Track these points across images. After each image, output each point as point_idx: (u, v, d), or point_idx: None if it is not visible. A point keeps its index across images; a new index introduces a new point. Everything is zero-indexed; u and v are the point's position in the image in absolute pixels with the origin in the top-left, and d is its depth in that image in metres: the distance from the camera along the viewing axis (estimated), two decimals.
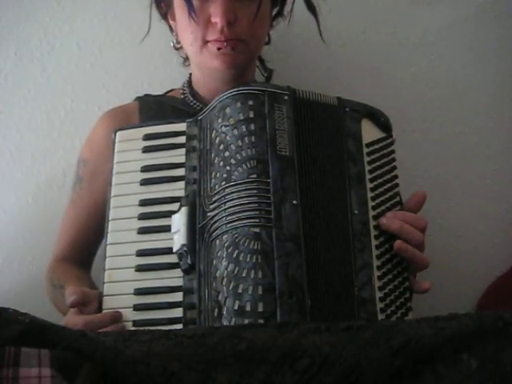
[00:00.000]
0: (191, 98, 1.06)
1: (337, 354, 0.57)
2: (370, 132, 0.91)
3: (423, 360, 0.57)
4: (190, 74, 1.10)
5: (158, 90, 1.16)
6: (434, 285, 0.89)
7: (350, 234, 0.82)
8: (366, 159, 0.88)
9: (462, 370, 0.56)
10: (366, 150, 0.89)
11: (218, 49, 0.94)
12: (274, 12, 1.08)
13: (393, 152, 0.91)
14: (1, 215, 1.25)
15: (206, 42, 0.95)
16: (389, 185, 0.88)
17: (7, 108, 1.28)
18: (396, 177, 0.90)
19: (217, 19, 0.92)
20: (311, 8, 1.08)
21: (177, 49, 1.07)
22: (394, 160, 0.91)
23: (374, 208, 0.85)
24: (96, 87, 1.28)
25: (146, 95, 1.13)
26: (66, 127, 1.27)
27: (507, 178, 1.30)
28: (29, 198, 1.26)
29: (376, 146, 0.90)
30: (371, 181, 0.87)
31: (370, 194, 0.86)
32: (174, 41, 1.05)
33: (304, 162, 0.83)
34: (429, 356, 0.57)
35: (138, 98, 1.12)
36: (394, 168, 0.90)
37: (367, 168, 0.88)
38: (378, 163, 0.89)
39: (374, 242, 0.83)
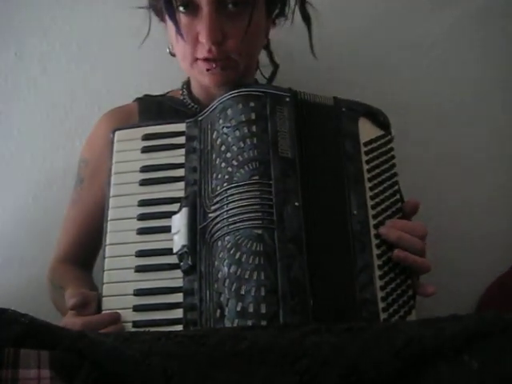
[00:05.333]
0: (189, 101, 1.07)
1: (337, 355, 0.58)
2: (367, 131, 0.90)
3: (424, 361, 0.57)
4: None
5: (158, 89, 1.15)
6: (434, 285, 0.89)
7: (349, 235, 0.82)
8: (365, 158, 0.88)
9: (463, 371, 0.56)
10: (363, 149, 0.89)
11: (207, 69, 0.91)
12: (275, 14, 1.06)
13: (392, 149, 0.91)
14: (1, 215, 1.25)
15: (195, 59, 0.92)
16: (388, 183, 0.88)
17: (7, 108, 1.28)
18: (396, 174, 0.90)
19: (203, 39, 0.88)
20: (306, 19, 1.05)
21: (173, 55, 1.01)
22: (393, 157, 0.91)
23: (373, 207, 0.85)
24: (96, 87, 1.28)
25: (146, 95, 1.13)
26: (66, 127, 1.27)
27: (507, 178, 1.30)
28: (29, 197, 1.26)
29: (374, 145, 0.90)
30: (370, 180, 0.87)
31: (369, 194, 0.86)
32: (170, 47, 1.00)
33: (305, 164, 0.83)
34: (430, 357, 0.57)
35: (138, 99, 1.12)
36: (394, 165, 0.90)
37: (365, 167, 0.87)
38: (376, 162, 0.89)
39: (374, 242, 0.83)
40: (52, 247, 1.09)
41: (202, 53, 0.90)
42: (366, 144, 0.89)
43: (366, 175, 0.87)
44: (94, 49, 1.29)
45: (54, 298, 1.01)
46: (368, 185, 0.86)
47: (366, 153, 0.88)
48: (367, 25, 1.31)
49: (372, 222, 0.84)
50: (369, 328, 0.61)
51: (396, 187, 0.89)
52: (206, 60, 0.91)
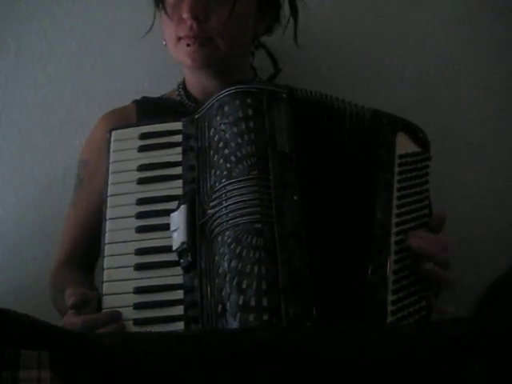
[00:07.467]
0: (186, 100, 1.08)
1: (339, 356, 0.58)
2: (405, 145, 0.90)
3: (426, 363, 0.57)
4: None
5: (158, 89, 1.16)
6: None
7: (368, 236, 0.82)
8: (397, 169, 0.87)
9: (466, 374, 0.56)
10: (398, 161, 0.88)
11: (187, 45, 0.96)
12: (270, 18, 1.07)
13: (427, 167, 0.90)
14: (1, 215, 1.25)
15: (179, 39, 0.97)
16: (418, 197, 0.87)
17: (7, 108, 1.28)
18: (427, 190, 0.89)
19: (185, 15, 0.94)
20: (293, 11, 1.09)
21: None
22: (427, 174, 0.90)
23: (398, 216, 0.85)
24: (96, 87, 1.28)
25: (144, 97, 1.14)
26: (66, 127, 1.28)
27: (507, 178, 1.30)
28: (29, 198, 1.26)
29: (408, 159, 0.89)
30: (399, 190, 0.86)
31: (396, 202, 0.85)
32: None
33: (304, 160, 0.83)
34: (432, 359, 0.57)
35: (135, 101, 1.12)
36: (427, 182, 0.89)
37: (397, 177, 0.87)
38: (408, 175, 0.88)
39: (393, 248, 0.82)
40: (52, 247, 1.09)
41: (184, 30, 0.95)
42: (400, 157, 0.88)
43: (396, 185, 0.86)
44: (94, 49, 1.29)
45: (55, 302, 1.01)
46: (396, 194, 0.86)
47: (400, 165, 0.88)
48: (368, 24, 1.31)
49: (394, 229, 0.84)
50: (371, 329, 0.61)
51: (426, 202, 0.88)
52: (186, 37, 0.96)
